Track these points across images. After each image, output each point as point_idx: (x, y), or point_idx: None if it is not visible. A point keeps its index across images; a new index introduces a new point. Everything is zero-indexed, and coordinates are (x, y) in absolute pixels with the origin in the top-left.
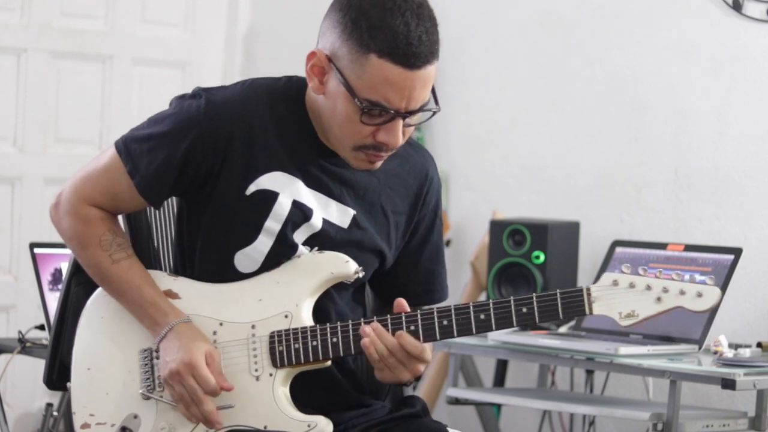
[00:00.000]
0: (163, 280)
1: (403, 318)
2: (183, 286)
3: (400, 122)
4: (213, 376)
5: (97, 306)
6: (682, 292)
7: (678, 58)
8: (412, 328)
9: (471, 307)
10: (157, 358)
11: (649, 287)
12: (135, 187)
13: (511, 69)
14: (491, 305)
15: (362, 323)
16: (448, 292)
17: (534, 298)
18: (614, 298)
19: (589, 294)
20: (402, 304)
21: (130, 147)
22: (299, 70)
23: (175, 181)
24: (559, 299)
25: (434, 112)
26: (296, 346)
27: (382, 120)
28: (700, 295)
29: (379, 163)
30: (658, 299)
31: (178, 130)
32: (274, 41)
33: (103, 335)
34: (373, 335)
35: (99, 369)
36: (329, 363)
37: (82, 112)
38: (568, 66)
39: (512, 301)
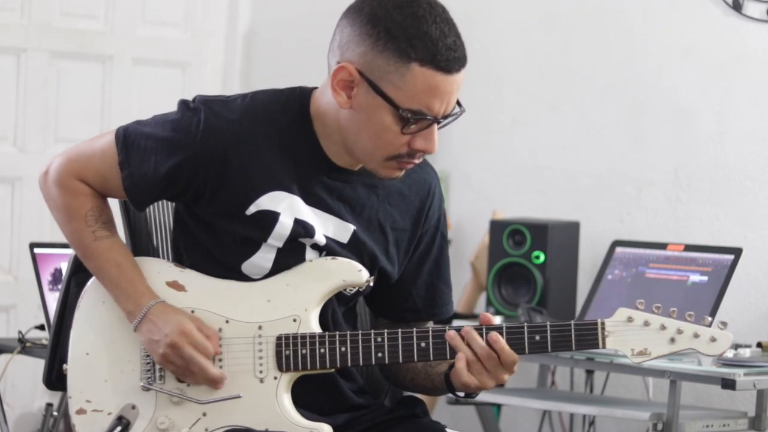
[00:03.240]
0: (170, 270)
1: (415, 333)
2: (190, 278)
3: (436, 127)
4: (205, 339)
5: (98, 289)
6: (696, 335)
7: (678, 58)
8: (423, 345)
9: (483, 330)
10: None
11: (663, 327)
12: (122, 181)
13: (511, 69)
14: (504, 330)
15: (372, 334)
16: (453, 309)
17: (548, 327)
18: (628, 334)
19: (603, 328)
20: (488, 318)
21: (128, 138)
22: (299, 69)
23: (162, 190)
24: (573, 331)
25: (460, 114)
26: (303, 351)
27: (420, 127)
28: (713, 339)
29: (405, 170)
30: (672, 340)
31: (172, 142)
32: (274, 41)
33: (103, 320)
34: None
35: (98, 355)
36: (333, 370)
37: (82, 112)
38: (568, 66)
39: (525, 328)
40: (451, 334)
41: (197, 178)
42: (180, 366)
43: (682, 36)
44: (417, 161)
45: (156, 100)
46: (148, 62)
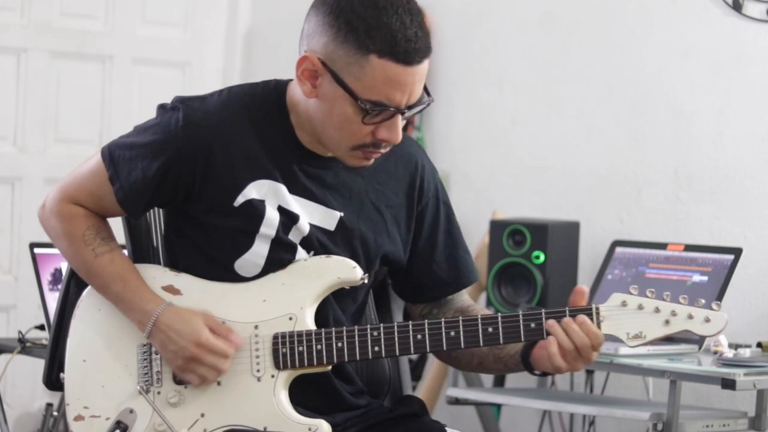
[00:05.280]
0: (165, 275)
1: (410, 326)
2: (185, 282)
3: (400, 118)
4: (224, 341)
5: (94, 298)
6: (690, 317)
7: (678, 58)
8: (420, 337)
9: (479, 320)
10: (156, 353)
11: (657, 310)
12: (114, 195)
13: (511, 69)
14: (499, 319)
15: (368, 329)
16: (478, 274)
17: (543, 314)
18: (623, 318)
19: (598, 313)
20: (580, 292)
21: (114, 153)
22: None
23: (153, 194)
24: (568, 317)
25: (428, 104)
26: (300, 349)
27: (383, 118)
28: (708, 320)
29: (373, 159)
30: (666, 322)
31: (156, 143)
32: (274, 41)
33: (100, 327)
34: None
35: (95, 361)
36: (330, 367)
37: (82, 112)
38: (568, 66)
39: (521, 316)
40: (550, 323)
41: (185, 175)
42: (201, 374)
43: (682, 36)
44: (383, 151)
45: (156, 100)
46: (148, 62)
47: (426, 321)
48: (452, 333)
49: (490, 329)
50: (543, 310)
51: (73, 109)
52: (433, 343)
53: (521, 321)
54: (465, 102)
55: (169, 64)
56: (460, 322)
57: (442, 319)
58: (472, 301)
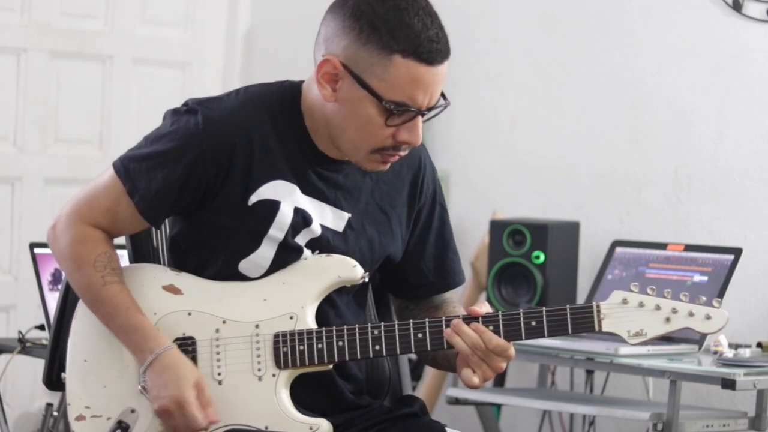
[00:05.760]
0: (165, 274)
1: (411, 325)
2: (186, 281)
3: (420, 119)
4: (201, 411)
5: None
6: (691, 314)
7: (678, 58)
8: (420, 336)
9: (480, 320)
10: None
11: (658, 307)
12: (135, 207)
13: (511, 69)
14: (500, 317)
15: (369, 328)
16: (465, 276)
17: (544, 312)
18: (623, 316)
19: (599, 311)
20: (474, 311)
21: (128, 167)
22: (299, 69)
23: (175, 200)
24: (568, 315)
25: (445, 107)
26: (301, 348)
27: (405, 119)
28: (708, 317)
29: (390, 163)
30: (667, 319)
31: (177, 148)
32: (274, 41)
33: (101, 327)
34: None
35: (96, 361)
36: (331, 366)
37: (82, 112)
38: (568, 66)
39: (521, 314)
40: (447, 332)
41: (208, 176)
42: (171, 426)
43: (682, 36)
44: (402, 153)
45: (156, 100)
46: (148, 62)
47: (426, 319)
48: None
49: (491, 328)
50: (544, 308)
51: (73, 109)
52: (433, 341)
53: (522, 319)
54: (465, 102)
55: (169, 64)
56: (461, 320)
57: (443, 318)
58: (451, 295)
